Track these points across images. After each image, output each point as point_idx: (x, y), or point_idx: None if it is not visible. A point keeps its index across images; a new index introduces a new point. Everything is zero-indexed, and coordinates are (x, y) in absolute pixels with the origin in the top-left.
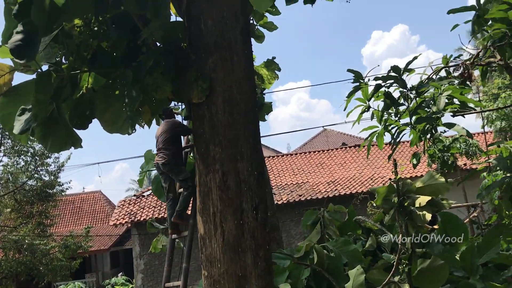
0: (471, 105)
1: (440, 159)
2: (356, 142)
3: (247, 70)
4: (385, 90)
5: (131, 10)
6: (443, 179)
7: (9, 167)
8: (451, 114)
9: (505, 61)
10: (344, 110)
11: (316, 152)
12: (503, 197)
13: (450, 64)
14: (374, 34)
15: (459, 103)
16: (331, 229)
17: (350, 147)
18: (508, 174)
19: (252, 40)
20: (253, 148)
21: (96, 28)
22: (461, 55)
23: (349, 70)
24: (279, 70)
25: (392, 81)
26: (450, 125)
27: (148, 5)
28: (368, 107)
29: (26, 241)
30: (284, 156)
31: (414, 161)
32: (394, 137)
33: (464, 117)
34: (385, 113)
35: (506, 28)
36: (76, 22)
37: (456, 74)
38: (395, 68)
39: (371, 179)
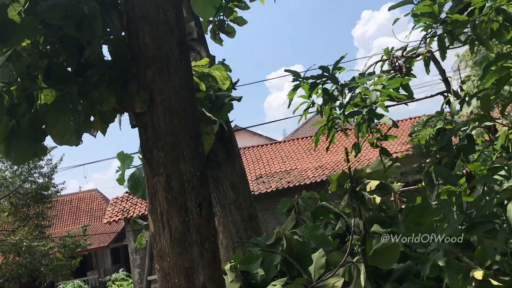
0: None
1: (379, 147)
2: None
3: (185, 79)
4: (322, 87)
5: (71, 33)
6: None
7: (2, 171)
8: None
9: (431, 53)
10: (288, 107)
11: (304, 138)
12: (424, 182)
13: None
14: (364, 14)
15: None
16: (305, 215)
17: (337, 131)
18: (425, 160)
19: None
20: (194, 151)
21: (45, 49)
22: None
23: (286, 70)
24: (230, 71)
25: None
26: (378, 117)
27: (84, 28)
28: (313, 103)
29: (25, 243)
30: (273, 144)
31: (353, 152)
32: (328, 129)
33: (407, 105)
34: (327, 106)
35: (431, 21)
36: (25, 43)
37: (387, 68)
38: (323, 68)
39: (357, 161)
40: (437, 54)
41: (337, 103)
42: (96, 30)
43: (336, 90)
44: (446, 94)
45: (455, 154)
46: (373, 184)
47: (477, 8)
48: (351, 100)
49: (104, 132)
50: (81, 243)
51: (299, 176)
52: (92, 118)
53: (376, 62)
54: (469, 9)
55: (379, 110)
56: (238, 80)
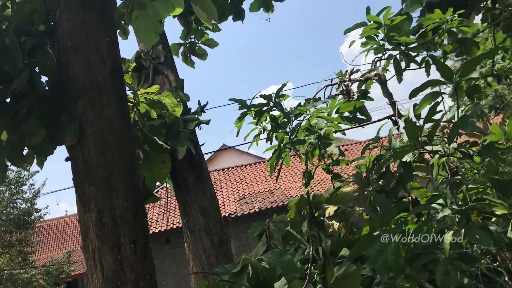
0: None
1: (331, 172)
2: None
3: (119, 109)
4: (269, 114)
5: None
6: (348, 188)
7: None
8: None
9: (379, 76)
10: (237, 136)
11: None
12: (369, 210)
13: (333, 82)
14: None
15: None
16: (276, 239)
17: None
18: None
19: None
20: (128, 184)
21: None
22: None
23: (231, 99)
24: (188, 99)
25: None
26: (325, 145)
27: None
28: (264, 129)
29: (6, 271)
30: (257, 164)
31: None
32: (277, 157)
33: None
34: (281, 132)
35: (378, 44)
36: None
37: (336, 92)
38: (265, 97)
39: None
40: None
41: (288, 129)
42: (17, 61)
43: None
44: (393, 118)
45: (396, 182)
46: (331, 209)
47: (430, 30)
48: (299, 128)
49: (41, 166)
50: (65, 269)
51: (283, 196)
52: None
53: (326, 86)
54: (421, 31)
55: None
56: (207, 103)
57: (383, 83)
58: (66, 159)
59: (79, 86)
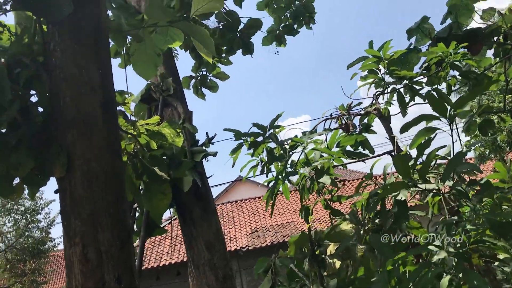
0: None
1: (330, 208)
2: (354, 176)
3: (109, 141)
4: (266, 146)
5: None
6: (349, 226)
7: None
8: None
9: (378, 110)
10: (232, 167)
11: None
12: (365, 251)
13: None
14: None
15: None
16: (282, 276)
17: (340, 181)
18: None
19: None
20: (115, 218)
21: None
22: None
23: (225, 129)
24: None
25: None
26: (318, 177)
27: None
28: (261, 161)
29: None
30: None
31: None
32: (271, 191)
33: (365, 162)
34: (280, 165)
35: (378, 78)
36: None
37: (335, 125)
38: (259, 127)
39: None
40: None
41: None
42: (6, 92)
43: (280, 148)
44: (393, 154)
45: (392, 221)
46: (333, 247)
47: (433, 64)
48: (298, 161)
49: (32, 197)
50: None
51: (295, 230)
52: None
53: (325, 119)
54: (424, 65)
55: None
56: (215, 135)
57: (382, 117)
58: (55, 192)
59: (69, 117)
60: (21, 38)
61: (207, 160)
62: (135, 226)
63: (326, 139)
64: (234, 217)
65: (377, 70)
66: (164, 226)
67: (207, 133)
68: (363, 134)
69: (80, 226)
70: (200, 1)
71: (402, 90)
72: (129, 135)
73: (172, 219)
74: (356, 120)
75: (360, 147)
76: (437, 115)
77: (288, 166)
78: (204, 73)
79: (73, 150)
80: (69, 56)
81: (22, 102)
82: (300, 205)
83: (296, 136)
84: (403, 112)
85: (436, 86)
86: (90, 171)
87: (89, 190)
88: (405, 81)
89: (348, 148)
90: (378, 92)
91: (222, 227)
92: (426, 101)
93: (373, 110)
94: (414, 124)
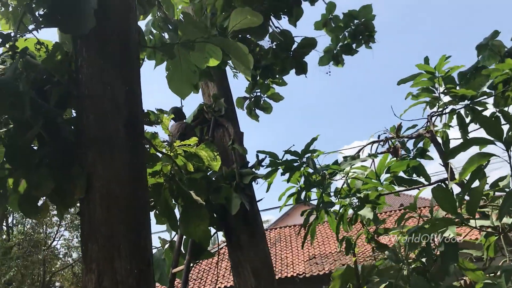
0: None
1: (375, 242)
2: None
3: (131, 162)
4: (304, 172)
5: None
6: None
7: (69, 240)
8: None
9: (431, 133)
10: (266, 191)
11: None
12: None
13: (377, 138)
14: None
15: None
16: None
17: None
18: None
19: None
20: (134, 245)
21: None
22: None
23: (259, 152)
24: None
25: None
26: (359, 208)
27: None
28: (300, 188)
29: None
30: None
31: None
32: (304, 220)
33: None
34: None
35: (431, 97)
36: None
37: (382, 149)
38: (293, 153)
39: None
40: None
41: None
42: (25, 108)
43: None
44: (447, 182)
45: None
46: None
47: (499, 82)
48: (341, 188)
49: (60, 217)
50: None
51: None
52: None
53: (372, 143)
54: (488, 83)
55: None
56: (265, 157)
57: (436, 141)
58: (77, 213)
59: (91, 136)
60: (54, 55)
61: (256, 183)
62: (181, 248)
63: (374, 165)
64: (292, 242)
65: (433, 89)
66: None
67: (257, 155)
68: (417, 159)
69: (97, 251)
70: (238, 17)
71: (462, 111)
72: (165, 156)
73: (220, 244)
74: (411, 144)
75: (414, 174)
76: (491, 138)
77: (332, 193)
78: (258, 94)
79: (93, 171)
80: (95, 72)
81: (48, 119)
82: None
83: (336, 161)
84: (464, 135)
85: (502, 107)
86: (109, 194)
87: (108, 214)
88: (466, 101)
89: (402, 174)
90: (433, 113)
91: (280, 252)
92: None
93: (426, 133)
94: (463, 149)
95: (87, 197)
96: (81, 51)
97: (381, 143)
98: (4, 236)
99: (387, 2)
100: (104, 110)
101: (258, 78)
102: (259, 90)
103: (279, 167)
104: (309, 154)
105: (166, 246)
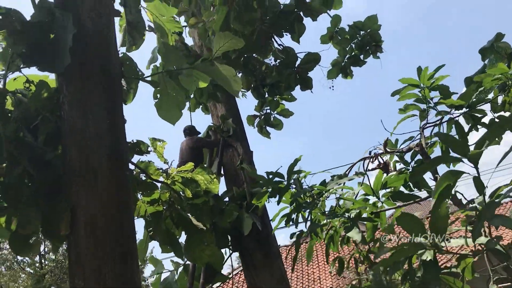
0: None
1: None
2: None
3: (116, 194)
4: (292, 192)
5: None
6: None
7: None
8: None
9: (421, 147)
10: (259, 215)
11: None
12: None
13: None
14: None
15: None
16: None
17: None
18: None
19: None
20: (121, 278)
21: None
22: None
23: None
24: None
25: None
26: (347, 230)
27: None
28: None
29: None
30: None
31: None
32: (295, 242)
33: (420, 203)
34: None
35: (417, 108)
36: None
37: (373, 166)
38: (277, 174)
39: None
40: None
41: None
42: (2, 151)
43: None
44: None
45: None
46: None
47: (493, 87)
48: (335, 207)
49: (54, 251)
50: None
51: None
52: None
53: (364, 159)
54: (479, 90)
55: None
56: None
57: (425, 154)
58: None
59: (75, 170)
60: (39, 93)
61: (268, 202)
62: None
63: (369, 181)
64: (318, 256)
65: (417, 103)
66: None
67: (267, 173)
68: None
69: (83, 287)
70: (220, 42)
71: (462, 119)
72: (163, 183)
73: (233, 265)
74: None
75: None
76: (458, 156)
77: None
78: (268, 111)
79: (78, 204)
80: (76, 106)
81: (35, 156)
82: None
83: (324, 181)
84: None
85: (499, 113)
86: (94, 227)
87: (93, 247)
88: (464, 109)
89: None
90: (425, 125)
91: (306, 267)
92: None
93: (416, 147)
94: (429, 169)
95: (72, 231)
96: (61, 87)
97: (372, 159)
98: (37, 264)
99: (400, 10)
100: (87, 144)
101: (266, 95)
102: (268, 107)
103: (268, 189)
104: (297, 175)
105: (180, 269)
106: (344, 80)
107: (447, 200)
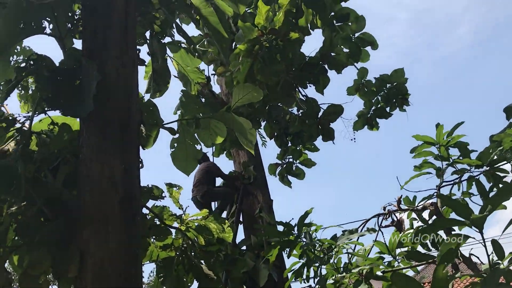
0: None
1: None
2: None
3: (125, 240)
4: (302, 246)
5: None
6: None
7: None
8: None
9: (435, 206)
10: (270, 268)
11: None
12: None
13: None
14: None
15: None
16: None
17: None
18: None
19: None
20: None
21: None
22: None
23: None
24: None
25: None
26: (356, 285)
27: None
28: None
29: None
30: None
31: None
32: None
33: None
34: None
35: (433, 166)
36: None
37: (386, 223)
38: (286, 225)
39: None
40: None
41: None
42: (21, 189)
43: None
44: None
45: None
46: None
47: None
48: (349, 263)
49: None
50: None
51: None
52: None
53: (378, 216)
54: (498, 149)
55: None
56: (295, 225)
57: (439, 214)
58: None
59: (87, 214)
60: (61, 135)
61: (285, 252)
62: None
63: (383, 238)
64: None
65: (431, 161)
66: None
67: (284, 223)
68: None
69: None
70: (240, 93)
71: (484, 178)
72: (177, 229)
73: None
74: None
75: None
76: (461, 219)
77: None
78: (290, 160)
79: (87, 249)
80: (94, 151)
81: (52, 196)
82: None
83: (335, 235)
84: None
85: None
86: (101, 272)
87: None
88: (485, 167)
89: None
90: (442, 183)
91: None
92: None
93: (430, 206)
94: (433, 231)
95: (80, 275)
96: (82, 131)
97: (386, 216)
98: None
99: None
100: (101, 189)
101: (289, 144)
102: (291, 156)
103: (278, 242)
104: (307, 228)
105: None
106: (370, 132)
107: (446, 263)
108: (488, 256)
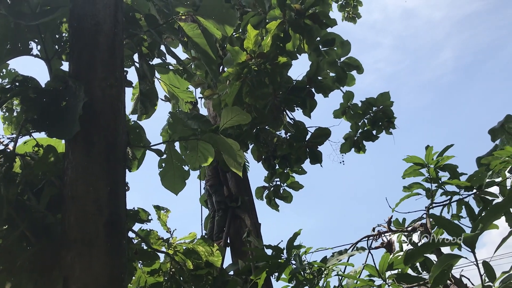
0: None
1: None
2: None
3: (110, 263)
4: (290, 269)
5: None
6: None
7: None
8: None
9: (425, 227)
10: None
11: None
12: None
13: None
14: None
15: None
16: None
17: None
18: None
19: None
20: None
21: None
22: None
23: (266, 246)
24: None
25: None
26: None
27: None
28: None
29: None
30: None
31: None
32: None
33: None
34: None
35: (422, 187)
36: None
37: (376, 244)
38: (275, 248)
39: None
40: None
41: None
42: (3, 213)
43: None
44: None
45: None
46: None
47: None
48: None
49: None
50: None
51: None
52: None
53: (367, 237)
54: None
55: None
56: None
57: (429, 234)
58: None
59: (71, 237)
60: (46, 157)
61: (273, 276)
62: None
63: (373, 261)
64: None
65: (422, 182)
66: None
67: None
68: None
69: None
70: (229, 115)
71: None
72: (164, 253)
73: None
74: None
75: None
76: (452, 240)
77: None
78: (278, 183)
79: (71, 274)
80: (79, 173)
81: (35, 220)
82: None
83: (325, 257)
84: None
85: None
86: None
87: None
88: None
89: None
90: (431, 204)
91: None
92: None
93: (420, 227)
94: (422, 254)
95: None
96: (68, 152)
97: (375, 237)
98: None
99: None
100: (85, 212)
101: (276, 167)
102: (278, 179)
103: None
104: (296, 251)
105: None
106: (357, 155)
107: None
108: (481, 276)
